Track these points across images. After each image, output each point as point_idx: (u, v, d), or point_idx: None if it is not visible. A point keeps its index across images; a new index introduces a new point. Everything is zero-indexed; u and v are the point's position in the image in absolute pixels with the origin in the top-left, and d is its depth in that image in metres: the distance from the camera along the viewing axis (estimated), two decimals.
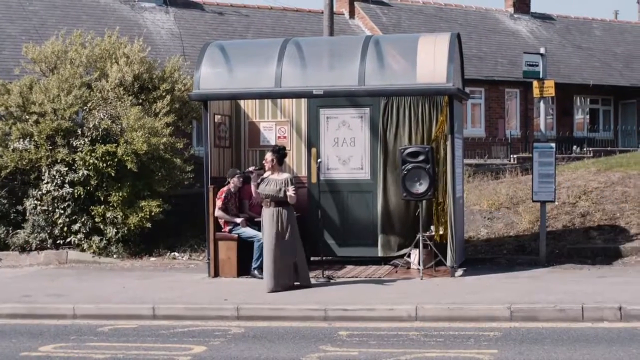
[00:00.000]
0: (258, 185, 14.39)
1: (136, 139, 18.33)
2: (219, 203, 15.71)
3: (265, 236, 14.37)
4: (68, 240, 18.60)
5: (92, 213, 18.40)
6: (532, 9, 41.57)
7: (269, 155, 14.45)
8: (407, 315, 12.44)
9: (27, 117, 19.12)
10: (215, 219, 15.79)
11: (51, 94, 19.09)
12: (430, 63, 15.17)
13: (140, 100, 20.30)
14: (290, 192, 14.09)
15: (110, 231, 18.33)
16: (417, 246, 15.66)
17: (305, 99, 16.84)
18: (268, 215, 14.29)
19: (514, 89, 36.33)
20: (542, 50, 16.93)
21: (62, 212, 18.52)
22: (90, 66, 20.65)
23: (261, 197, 14.42)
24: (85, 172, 18.28)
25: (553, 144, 16.78)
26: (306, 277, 14.64)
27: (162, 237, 19.01)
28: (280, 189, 14.15)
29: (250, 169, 15.42)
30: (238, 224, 15.74)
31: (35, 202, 18.64)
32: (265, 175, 14.42)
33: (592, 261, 16.40)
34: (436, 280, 14.91)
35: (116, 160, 18.23)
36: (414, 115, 16.56)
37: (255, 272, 15.52)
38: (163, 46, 30.20)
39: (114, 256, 18.39)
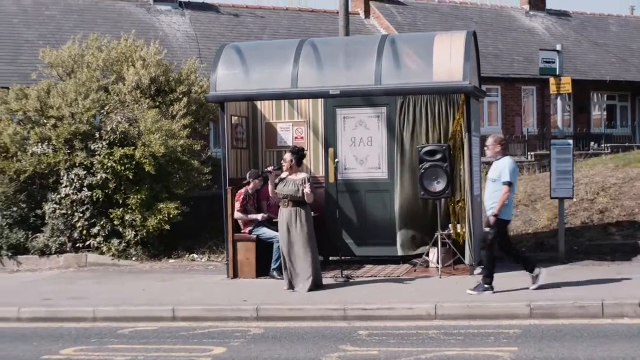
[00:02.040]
0: (276, 185, 14.40)
1: (154, 141, 18.38)
2: (237, 205, 15.74)
3: (281, 236, 14.39)
4: (87, 243, 18.67)
5: (111, 216, 18.46)
6: (548, 6, 41.48)
7: (287, 156, 14.45)
8: (427, 314, 12.44)
9: (45, 121, 19.21)
10: (234, 220, 15.82)
11: (69, 98, 19.17)
12: (447, 61, 15.16)
13: (157, 103, 20.37)
14: (307, 189, 14.09)
15: (129, 234, 18.39)
16: (435, 245, 15.66)
17: (322, 99, 16.86)
18: (286, 214, 14.31)
19: (530, 86, 36.23)
20: (558, 47, 16.88)
21: (81, 215, 18.59)
22: (107, 69, 20.74)
23: (279, 197, 14.44)
24: (104, 175, 18.34)
25: (570, 141, 16.73)
26: (319, 277, 14.62)
27: (181, 239, 19.06)
28: (298, 189, 14.16)
29: (269, 168, 15.36)
30: (258, 225, 15.76)
31: (54, 205, 18.72)
32: (283, 175, 14.42)
33: (611, 257, 16.35)
34: (455, 279, 14.91)
35: (134, 163, 18.29)
36: (431, 114, 16.55)
37: (274, 272, 15.54)
38: (179, 48, 30.26)
39: (133, 258, 18.45)
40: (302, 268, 14.28)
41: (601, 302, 12.13)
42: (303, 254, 14.27)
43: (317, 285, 14.40)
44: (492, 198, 13.47)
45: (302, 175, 14.43)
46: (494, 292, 13.31)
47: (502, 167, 13.37)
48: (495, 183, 13.41)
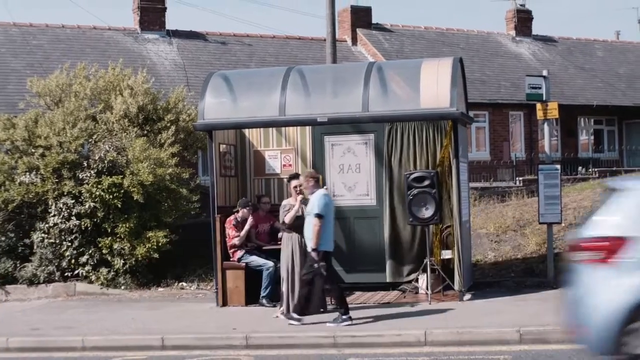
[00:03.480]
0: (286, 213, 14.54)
1: (142, 170, 18.37)
2: (232, 232, 15.76)
3: (289, 260, 14.43)
4: (76, 272, 18.61)
5: (100, 245, 18.42)
6: (534, 32, 41.64)
7: (300, 181, 14.51)
8: (416, 340, 12.43)
9: (33, 150, 19.19)
10: (223, 248, 15.81)
11: (56, 127, 19.18)
12: (434, 88, 15.22)
13: (145, 132, 20.39)
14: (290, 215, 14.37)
15: (118, 262, 18.35)
16: (424, 271, 15.66)
17: (310, 127, 16.89)
18: (299, 240, 14.37)
19: (517, 112, 36.34)
20: (544, 73, 16.99)
21: (70, 244, 18.54)
22: (94, 98, 20.78)
23: (287, 226, 14.49)
24: (92, 204, 18.32)
25: (558, 166, 16.80)
26: (325, 301, 14.78)
27: (170, 267, 19.02)
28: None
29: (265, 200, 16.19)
30: (247, 253, 15.77)
31: (43, 235, 18.67)
32: (291, 201, 14.56)
33: None
34: (444, 305, 14.89)
35: (122, 191, 18.26)
36: (419, 140, 16.59)
37: (264, 300, 15.53)
38: (167, 77, 30.31)
39: (122, 287, 18.40)
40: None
41: None
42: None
43: (323, 308, 14.54)
44: (309, 231, 13.70)
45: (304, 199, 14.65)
46: (353, 322, 13.46)
47: (314, 201, 13.73)
48: (310, 216, 13.73)
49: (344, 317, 13.53)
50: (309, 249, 13.75)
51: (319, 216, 13.56)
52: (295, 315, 13.78)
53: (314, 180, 14.05)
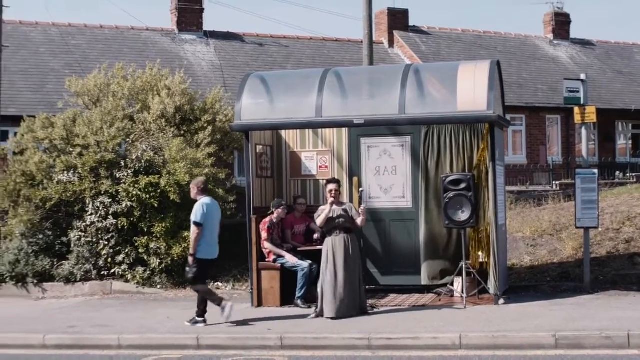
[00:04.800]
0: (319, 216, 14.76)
1: (178, 170, 18.46)
2: (265, 234, 15.79)
3: (329, 262, 14.56)
4: (112, 271, 18.72)
5: (136, 244, 18.52)
6: (572, 35, 41.43)
7: (334, 186, 14.76)
8: (452, 344, 12.40)
9: (71, 149, 19.34)
10: (259, 249, 15.85)
11: (94, 127, 19.31)
12: (471, 91, 15.18)
13: (182, 132, 20.48)
14: (362, 217, 14.76)
15: (154, 262, 18.43)
16: (460, 274, 15.62)
17: (346, 129, 16.89)
18: (338, 242, 14.54)
19: (554, 115, 36.15)
20: (582, 76, 16.88)
21: (106, 243, 18.65)
22: (132, 98, 20.90)
23: (327, 227, 14.68)
24: (129, 203, 18.42)
25: (595, 170, 16.69)
26: (365, 303, 14.95)
27: None
28: (348, 217, 14.64)
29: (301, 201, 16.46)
30: (283, 256, 15.81)
31: (80, 233, 18.80)
32: (328, 206, 14.69)
33: (637, 287, 16.25)
34: (480, 308, 14.85)
35: (159, 191, 18.35)
36: (455, 143, 16.55)
37: (299, 301, 15.55)
38: (204, 77, 30.44)
39: (158, 287, 18.49)
40: (349, 294, 14.45)
41: (627, 332, 12.06)
42: (353, 280, 14.54)
43: (363, 311, 14.68)
44: (192, 238, 14.30)
45: (347, 203, 15.04)
46: (207, 325, 14.11)
47: (195, 209, 14.28)
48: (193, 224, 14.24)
49: (197, 318, 14.28)
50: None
51: (196, 224, 14.12)
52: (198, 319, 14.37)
53: (197, 188, 14.54)
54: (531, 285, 16.73)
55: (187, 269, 14.45)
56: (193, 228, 14.19)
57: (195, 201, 14.52)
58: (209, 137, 20.28)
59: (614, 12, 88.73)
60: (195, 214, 14.20)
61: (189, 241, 17.94)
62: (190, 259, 14.28)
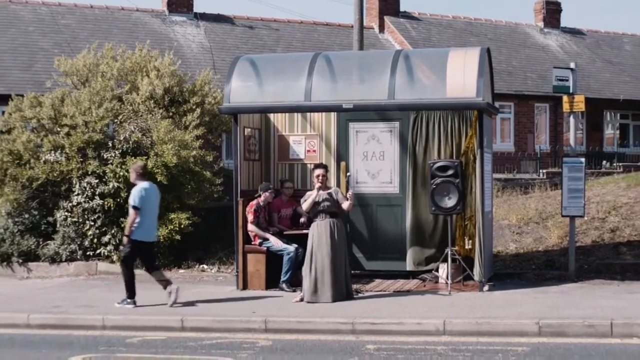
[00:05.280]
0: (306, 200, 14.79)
1: (166, 151, 18.43)
2: (250, 217, 15.79)
3: (315, 246, 14.58)
4: (98, 251, 18.71)
5: (122, 225, 18.45)
6: (562, 24, 41.44)
7: (321, 171, 14.80)
8: (435, 330, 12.43)
9: (58, 129, 19.28)
10: (245, 232, 15.85)
11: (82, 107, 19.25)
12: (460, 77, 15.18)
13: (171, 113, 20.45)
14: (349, 201, 14.75)
15: None
16: (445, 260, 15.66)
17: (335, 113, 16.88)
18: (323, 226, 14.57)
19: (543, 104, 36.19)
20: (572, 65, 16.90)
21: (92, 223, 18.64)
22: (121, 79, 20.84)
23: (313, 212, 14.71)
24: (116, 184, 18.40)
25: (583, 159, 16.72)
26: (350, 287, 14.98)
27: (191, 250, 19.08)
28: (334, 202, 14.66)
29: (288, 185, 16.49)
30: (268, 239, 15.81)
31: (66, 213, 18.78)
32: (315, 191, 14.70)
33: (621, 277, 16.32)
34: (464, 295, 14.89)
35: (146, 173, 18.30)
36: (444, 130, 16.56)
37: (284, 285, 15.57)
38: (193, 59, 30.36)
39: (143, 268, 18.44)
40: (334, 278, 14.47)
41: (610, 321, 12.10)
42: (338, 265, 14.54)
43: (349, 295, 14.71)
44: (128, 220, 14.65)
45: (333, 188, 15.07)
46: (136, 306, 14.40)
47: (132, 193, 14.61)
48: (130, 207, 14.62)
49: (128, 300, 14.57)
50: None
51: (134, 208, 14.40)
52: (128, 300, 14.63)
53: (136, 173, 14.83)
54: (516, 273, 16.79)
55: (121, 248, 15.22)
56: (130, 211, 14.49)
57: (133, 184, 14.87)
58: (197, 119, 20.25)
59: (604, 2, 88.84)
60: (134, 198, 14.49)
61: (175, 223, 18.14)
62: (125, 239, 14.75)
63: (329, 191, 14.74)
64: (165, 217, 18.34)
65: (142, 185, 14.66)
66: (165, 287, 14.57)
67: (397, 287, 15.87)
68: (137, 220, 14.40)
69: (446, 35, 37.26)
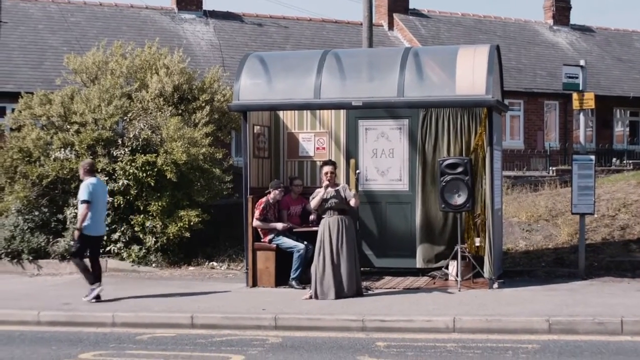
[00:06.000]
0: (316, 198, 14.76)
1: (176, 149, 18.45)
2: (257, 213, 15.79)
3: (324, 243, 14.59)
4: (108, 249, 18.72)
5: (132, 222, 18.52)
6: (572, 21, 41.35)
7: (330, 168, 14.80)
8: (445, 327, 12.42)
9: (68, 126, 19.32)
10: (254, 229, 15.87)
11: (92, 104, 19.28)
12: (470, 75, 15.17)
13: (180, 111, 20.46)
14: (356, 199, 14.81)
15: (150, 240, 18.44)
16: (455, 258, 15.64)
17: (344, 110, 16.88)
18: (332, 223, 14.57)
19: (553, 101, 36.12)
20: (581, 63, 16.87)
21: None
22: (130, 77, 20.87)
23: (322, 209, 14.70)
24: (125, 181, 18.41)
25: (592, 156, 16.70)
26: (360, 284, 14.97)
27: (201, 247, 19.11)
28: (343, 199, 14.65)
29: (297, 182, 16.51)
30: (278, 234, 15.81)
31: (76, 211, 18.74)
32: (323, 189, 14.68)
33: (631, 274, 16.30)
34: (474, 292, 14.88)
35: (156, 170, 18.35)
36: (453, 127, 16.55)
37: (293, 282, 15.59)
38: (202, 57, 30.37)
39: (153, 265, 18.50)
40: (343, 275, 14.53)
41: (621, 319, 12.08)
42: (348, 262, 14.53)
43: (358, 292, 14.72)
44: (79, 215, 15.05)
45: (342, 184, 15.08)
46: (101, 287, 14.94)
47: (81, 189, 15.01)
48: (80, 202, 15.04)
49: (92, 286, 14.91)
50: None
51: (84, 202, 14.77)
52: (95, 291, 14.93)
53: (84, 170, 15.16)
54: (526, 270, 16.77)
55: (72, 242, 15.93)
56: (81, 206, 14.88)
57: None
58: (206, 116, 20.27)
59: None
60: (82, 193, 14.88)
61: (185, 220, 18.15)
62: (75, 234, 15.16)
63: (337, 188, 14.72)
64: (175, 215, 18.37)
65: (89, 180, 15.03)
66: (91, 283, 14.97)
67: (407, 284, 15.87)
68: (82, 211, 14.79)
69: (455, 33, 37.20)
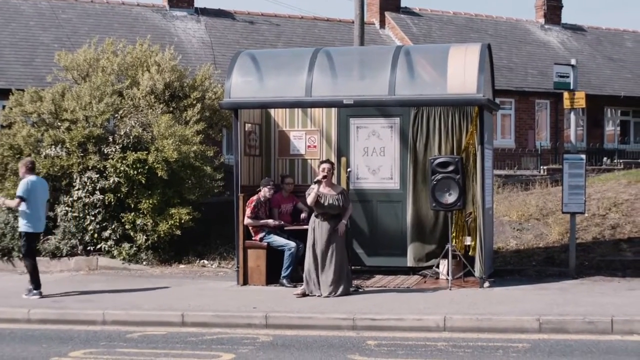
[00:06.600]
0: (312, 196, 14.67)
1: (167, 146, 18.43)
2: (248, 211, 15.78)
3: (317, 242, 14.59)
4: (98, 246, 18.70)
5: (123, 220, 18.50)
6: (563, 20, 41.41)
7: (328, 166, 14.79)
8: (436, 326, 12.43)
9: (59, 124, 19.27)
10: (245, 227, 15.86)
11: (83, 102, 19.24)
12: (461, 73, 15.17)
13: (171, 108, 20.44)
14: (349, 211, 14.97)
15: (140, 238, 18.42)
16: (446, 257, 15.65)
17: (336, 109, 16.87)
18: (325, 225, 14.56)
19: (544, 100, 36.19)
20: (572, 62, 16.89)
21: (93, 218, 18.63)
22: (121, 74, 20.83)
23: (317, 209, 14.67)
24: (116, 179, 18.39)
25: (583, 156, 16.70)
26: (350, 283, 15.03)
27: (192, 245, 19.09)
28: (339, 203, 14.63)
29: (288, 180, 16.46)
30: (269, 232, 15.80)
31: (66, 208, 18.77)
32: (321, 186, 14.65)
33: (622, 273, 16.32)
34: (465, 291, 14.89)
35: (147, 167, 18.32)
36: (444, 126, 16.55)
37: (284, 281, 15.58)
38: (194, 54, 30.35)
39: (144, 263, 18.48)
40: (334, 274, 14.52)
41: (611, 318, 12.10)
42: (338, 260, 14.55)
43: (349, 291, 14.75)
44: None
45: (341, 188, 15.06)
46: (42, 297, 15.01)
47: (20, 185, 15.36)
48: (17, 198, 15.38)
49: (34, 290, 15.13)
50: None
51: (20, 198, 15.14)
52: (34, 291, 15.18)
53: (25, 167, 15.46)
54: (516, 269, 16.78)
55: (20, 243, 16.36)
56: (15, 200, 15.43)
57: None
58: (197, 114, 20.25)
59: None
60: (19, 189, 15.24)
61: (176, 218, 18.14)
62: (20, 234, 15.68)
63: (337, 195, 14.67)
64: (166, 212, 18.36)
65: (29, 178, 15.32)
66: (35, 288, 15.20)
67: (398, 283, 15.88)
68: (22, 209, 15.12)
69: (447, 31, 37.24)
